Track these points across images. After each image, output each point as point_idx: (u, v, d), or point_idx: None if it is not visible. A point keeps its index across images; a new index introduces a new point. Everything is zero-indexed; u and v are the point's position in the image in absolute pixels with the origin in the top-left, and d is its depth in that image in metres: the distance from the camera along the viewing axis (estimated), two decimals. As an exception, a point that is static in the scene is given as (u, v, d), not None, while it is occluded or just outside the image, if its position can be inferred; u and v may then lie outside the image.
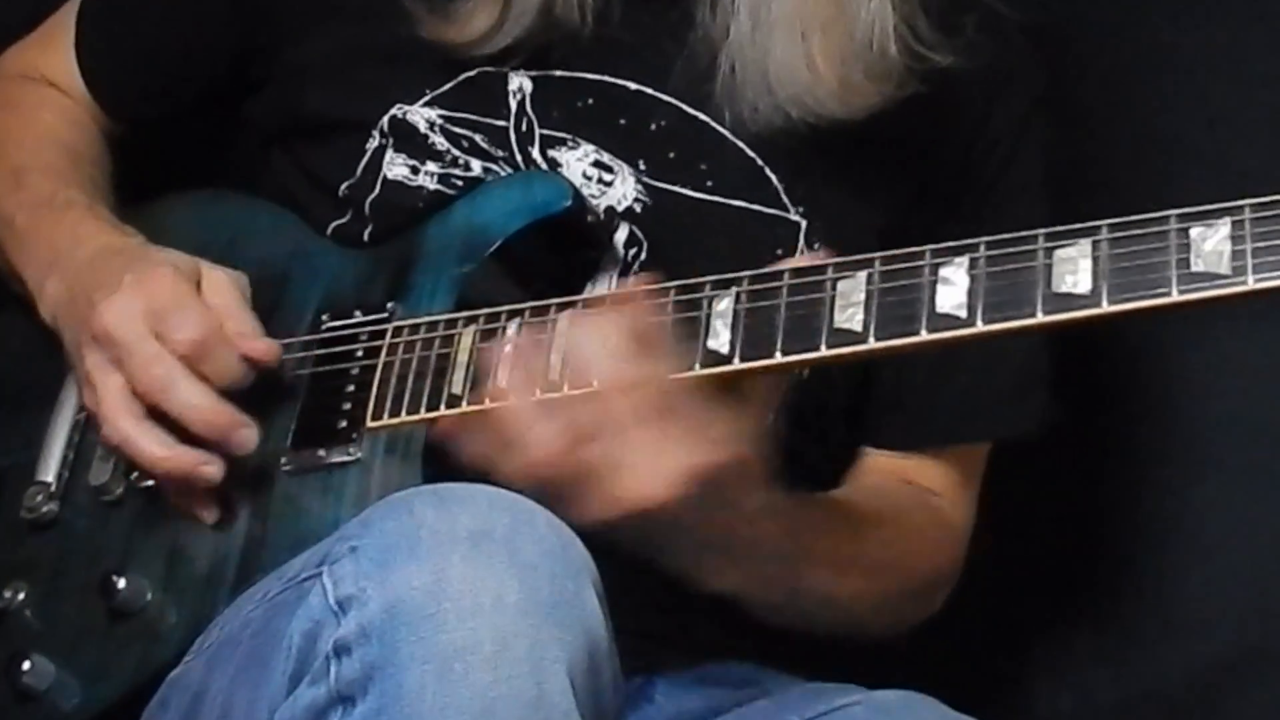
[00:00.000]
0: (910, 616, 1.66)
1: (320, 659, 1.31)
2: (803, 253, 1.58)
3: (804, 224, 1.59)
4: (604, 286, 1.56)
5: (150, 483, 1.55)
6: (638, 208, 1.59)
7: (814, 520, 1.53)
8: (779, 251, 1.58)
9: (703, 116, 1.58)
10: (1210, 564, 1.87)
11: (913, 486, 1.66)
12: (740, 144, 1.58)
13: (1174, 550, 1.88)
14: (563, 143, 1.59)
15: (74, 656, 1.52)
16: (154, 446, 1.49)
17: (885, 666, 1.59)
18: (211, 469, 1.49)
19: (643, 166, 1.58)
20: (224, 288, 1.53)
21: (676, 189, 1.59)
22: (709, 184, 1.59)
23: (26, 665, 1.51)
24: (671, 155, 1.59)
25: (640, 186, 1.59)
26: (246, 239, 1.65)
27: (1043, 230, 1.34)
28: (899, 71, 1.52)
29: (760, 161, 1.59)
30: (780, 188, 1.59)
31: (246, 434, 1.50)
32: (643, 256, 1.58)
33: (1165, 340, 1.88)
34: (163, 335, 1.49)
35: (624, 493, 1.36)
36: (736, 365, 1.39)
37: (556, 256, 1.56)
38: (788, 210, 1.59)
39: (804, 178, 1.59)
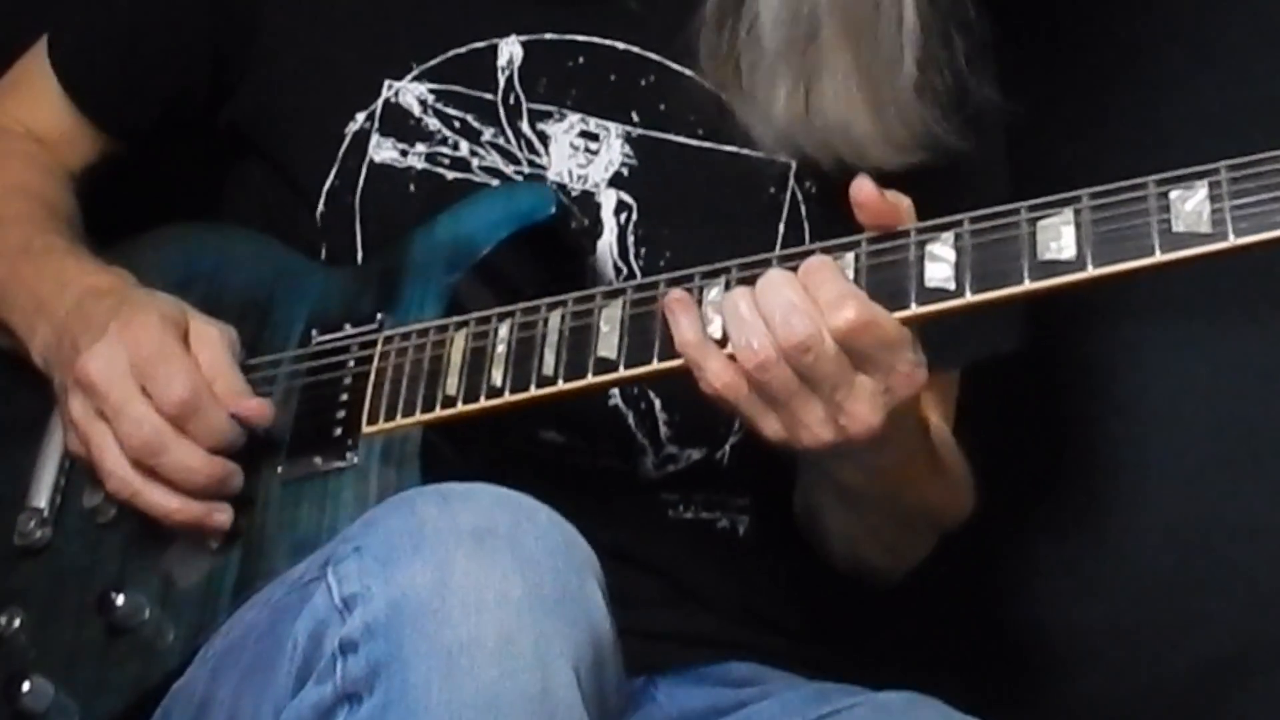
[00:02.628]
0: (930, 543, 1.66)
1: (326, 657, 1.31)
2: (794, 192, 1.61)
3: (794, 164, 1.62)
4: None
5: None
6: (624, 171, 1.62)
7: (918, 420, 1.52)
8: (771, 190, 1.62)
9: (689, 72, 1.62)
10: (1212, 562, 1.88)
11: None
12: (725, 96, 1.60)
13: (1177, 549, 1.89)
14: (549, 115, 1.62)
15: (72, 676, 1.52)
16: (165, 500, 1.50)
17: (886, 666, 1.60)
18: (223, 517, 1.51)
19: (635, 118, 1.62)
20: (212, 341, 1.53)
21: (670, 136, 1.62)
22: (700, 131, 1.62)
23: (25, 687, 1.51)
24: (662, 107, 1.62)
25: (627, 148, 1.62)
26: (228, 267, 1.66)
27: (1025, 203, 1.36)
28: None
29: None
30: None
31: (236, 480, 1.51)
32: (634, 218, 1.61)
33: (1168, 342, 1.90)
34: (150, 392, 1.50)
35: (851, 423, 1.38)
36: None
37: (542, 264, 1.57)
38: (776, 153, 1.61)
39: None
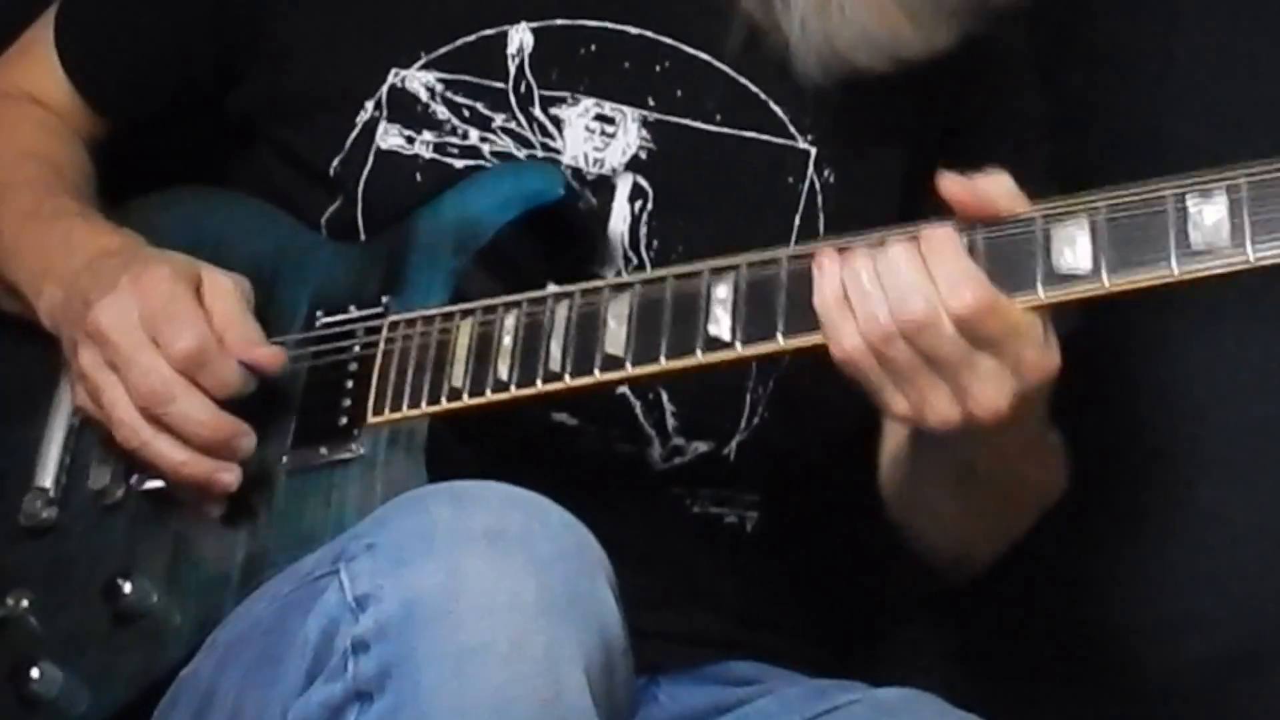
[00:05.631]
0: (1025, 526, 1.64)
1: (338, 656, 1.32)
2: (811, 181, 1.60)
3: (814, 151, 1.60)
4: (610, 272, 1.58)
5: (152, 485, 1.55)
6: (643, 154, 1.60)
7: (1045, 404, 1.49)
8: (790, 179, 1.60)
9: (704, 56, 1.60)
10: (1213, 563, 1.88)
11: None
12: (743, 80, 1.60)
13: (1176, 550, 1.89)
14: (562, 100, 1.60)
15: (80, 662, 1.52)
16: (174, 452, 1.50)
17: (888, 666, 1.60)
18: (229, 477, 1.50)
19: (652, 103, 1.60)
20: (225, 292, 1.53)
21: (687, 121, 1.60)
22: (717, 117, 1.60)
23: (35, 673, 1.51)
24: (679, 93, 1.60)
25: (645, 132, 1.60)
26: (234, 236, 1.64)
27: (1039, 210, 1.35)
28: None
29: (764, 96, 1.60)
30: (786, 118, 1.60)
31: (246, 442, 1.50)
32: (649, 207, 1.60)
33: (1168, 339, 1.89)
34: (159, 343, 1.49)
35: (976, 406, 1.36)
36: (739, 351, 1.40)
37: (550, 247, 1.56)
38: (796, 139, 1.60)
39: (810, 107, 1.60)
